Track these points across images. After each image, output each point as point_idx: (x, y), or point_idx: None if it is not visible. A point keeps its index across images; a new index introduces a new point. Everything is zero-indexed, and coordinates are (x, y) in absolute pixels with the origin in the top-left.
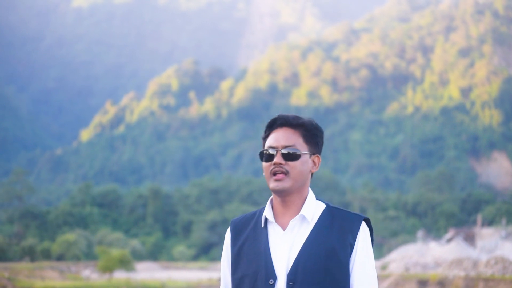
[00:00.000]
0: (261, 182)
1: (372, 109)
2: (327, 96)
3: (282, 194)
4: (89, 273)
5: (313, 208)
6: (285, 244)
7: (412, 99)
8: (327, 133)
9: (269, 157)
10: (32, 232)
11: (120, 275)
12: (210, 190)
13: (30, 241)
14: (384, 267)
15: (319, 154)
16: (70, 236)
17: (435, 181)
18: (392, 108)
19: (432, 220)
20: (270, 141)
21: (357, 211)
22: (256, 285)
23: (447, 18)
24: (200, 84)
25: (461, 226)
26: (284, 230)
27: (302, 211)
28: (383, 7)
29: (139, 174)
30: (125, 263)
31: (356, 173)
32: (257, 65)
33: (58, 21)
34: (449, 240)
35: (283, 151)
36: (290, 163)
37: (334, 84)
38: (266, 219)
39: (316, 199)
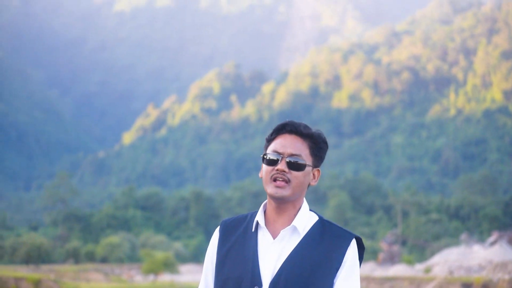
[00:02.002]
0: None
1: (414, 112)
2: (368, 99)
3: (279, 201)
4: (134, 274)
5: (305, 220)
6: (273, 253)
7: (455, 102)
8: (368, 136)
9: (272, 162)
10: (76, 234)
11: (164, 277)
12: (252, 193)
13: (74, 243)
14: (427, 270)
15: (319, 167)
16: (114, 238)
17: (478, 184)
18: (434, 111)
19: (475, 223)
20: (276, 146)
21: (399, 214)
22: None
23: (490, 20)
24: (242, 87)
25: (505, 229)
26: (274, 238)
27: (294, 222)
28: (425, 9)
29: (181, 177)
30: (169, 266)
31: (398, 176)
32: (298, 68)
33: (101, 25)
34: (492, 243)
35: (288, 159)
36: (293, 172)
37: (375, 87)
38: (257, 224)
39: (310, 210)
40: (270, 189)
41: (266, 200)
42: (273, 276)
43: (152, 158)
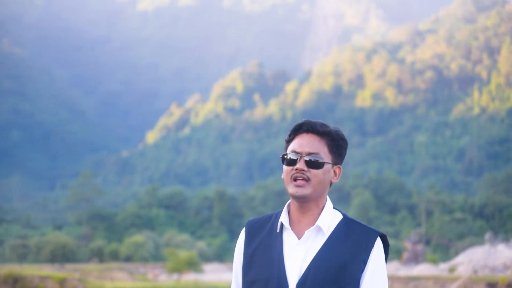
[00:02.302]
0: None
1: (437, 111)
2: (392, 98)
3: (301, 200)
4: (159, 273)
5: (329, 219)
6: (299, 254)
7: (478, 101)
8: (392, 135)
9: (291, 162)
10: (100, 233)
11: (188, 276)
12: (275, 192)
13: (98, 242)
14: (451, 270)
15: (341, 165)
16: (138, 237)
17: (502, 183)
18: (458, 110)
19: (499, 222)
20: (294, 146)
21: (423, 213)
22: None
23: None
24: (265, 86)
25: None
26: (299, 239)
27: (319, 222)
28: (448, 8)
29: (204, 176)
30: (193, 265)
31: (422, 175)
32: (321, 67)
33: (124, 24)
34: None
35: (307, 158)
36: (313, 170)
37: (399, 85)
38: (282, 225)
39: (334, 208)
40: (291, 188)
41: (290, 200)
42: (300, 277)
43: (176, 157)
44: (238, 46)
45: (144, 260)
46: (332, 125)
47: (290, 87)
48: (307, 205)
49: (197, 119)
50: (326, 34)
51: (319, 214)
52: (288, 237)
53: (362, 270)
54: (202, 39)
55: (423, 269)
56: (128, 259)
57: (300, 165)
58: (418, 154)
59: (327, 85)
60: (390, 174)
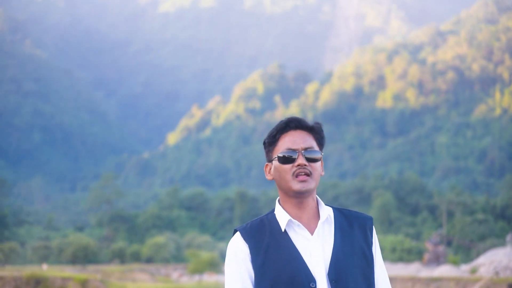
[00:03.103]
0: (347, 185)
1: (459, 112)
2: (413, 99)
3: (305, 195)
4: (178, 276)
5: (326, 210)
6: (317, 247)
7: (500, 101)
8: (413, 136)
9: (289, 160)
10: (121, 235)
11: (209, 277)
12: None
13: (119, 244)
14: (473, 271)
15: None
16: (160, 239)
17: None
18: (480, 111)
19: None
20: (287, 144)
21: (444, 215)
22: None
23: None
24: (286, 87)
25: None
26: (312, 233)
27: (323, 215)
28: (469, 9)
29: (225, 178)
30: (214, 266)
31: (443, 176)
32: (342, 68)
33: (146, 26)
34: None
35: (305, 153)
36: (312, 164)
37: (420, 86)
38: (287, 223)
39: None
40: (295, 185)
41: (278, 199)
42: (327, 269)
43: (197, 158)
44: (259, 47)
45: (166, 261)
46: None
47: (311, 88)
48: (307, 200)
49: (218, 121)
50: (347, 35)
51: (316, 207)
52: (297, 233)
53: (372, 250)
54: (223, 41)
55: (444, 271)
56: (150, 260)
57: (301, 160)
58: (439, 155)
59: (348, 86)
60: (411, 175)
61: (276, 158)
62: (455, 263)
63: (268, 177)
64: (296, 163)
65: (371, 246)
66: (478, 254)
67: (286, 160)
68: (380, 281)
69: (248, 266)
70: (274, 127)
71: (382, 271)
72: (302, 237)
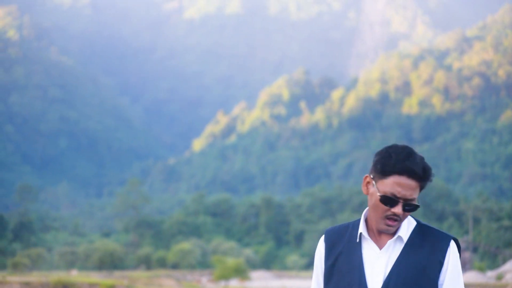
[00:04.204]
0: None
1: (485, 118)
2: (439, 105)
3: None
4: (205, 280)
5: (406, 226)
6: (381, 263)
7: None
8: (439, 142)
9: (389, 203)
10: (147, 240)
11: (235, 283)
12: (322, 200)
13: (145, 249)
14: (499, 277)
15: None
16: (185, 245)
17: None
18: (506, 117)
19: None
20: (395, 188)
21: (470, 221)
22: None
23: None
24: (311, 93)
25: None
26: (380, 249)
27: (400, 233)
28: (495, 14)
29: (251, 184)
30: (240, 272)
31: (469, 182)
32: (368, 74)
33: (170, 32)
34: None
35: (405, 204)
36: (406, 213)
37: (446, 92)
38: (361, 235)
39: None
40: (381, 226)
41: (367, 210)
42: (382, 285)
43: (222, 164)
44: (284, 53)
45: (191, 267)
46: (418, 155)
47: (336, 94)
48: None
49: (243, 127)
50: (373, 41)
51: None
52: (368, 246)
53: (439, 270)
54: (248, 47)
55: (470, 277)
56: (175, 266)
57: (399, 210)
58: (465, 161)
59: (374, 92)
60: (437, 181)
61: (379, 194)
62: (481, 269)
63: (364, 190)
64: (393, 210)
65: (439, 266)
66: (504, 261)
67: (386, 202)
68: None
69: (322, 265)
70: (393, 161)
71: None
72: (371, 251)
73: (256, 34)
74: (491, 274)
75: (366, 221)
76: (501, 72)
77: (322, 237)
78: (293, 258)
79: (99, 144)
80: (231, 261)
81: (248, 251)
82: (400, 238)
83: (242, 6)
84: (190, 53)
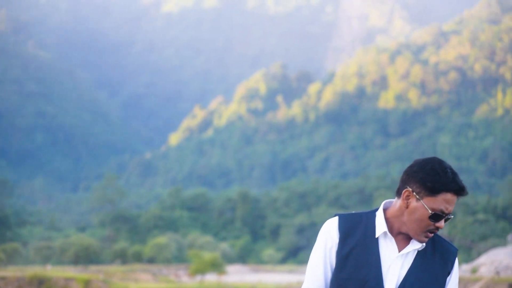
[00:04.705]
0: (349, 185)
1: (461, 112)
2: (415, 99)
3: None
4: (182, 275)
5: None
6: (397, 264)
7: (502, 102)
8: (415, 136)
9: (435, 218)
10: (123, 235)
11: (211, 277)
12: (298, 194)
13: (121, 244)
14: (474, 271)
15: None
16: (162, 239)
17: None
18: (482, 111)
19: None
20: (444, 205)
21: None
22: None
23: None
24: (288, 87)
25: None
26: (399, 251)
27: (424, 243)
28: (472, 9)
29: (227, 178)
30: (216, 266)
31: None
32: (345, 68)
33: (148, 26)
34: None
35: (446, 217)
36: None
37: (422, 87)
38: (383, 233)
39: None
40: (420, 238)
41: (384, 206)
42: (397, 286)
43: (199, 159)
44: (262, 47)
45: (167, 261)
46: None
47: (313, 88)
48: None
49: (220, 121)
50: (350, 35)
51: None
52: (387, 244)
53: (447, 279)
54: (226, 41)
55: None
56: (151, 260)
57: (442, 224)
58: (441, 155)
59: (351, 86)
60: None
61: (428, 211)
62: None
63: (403, 204)
64: (437, 225)
65: (447, 276)
66: (479, 254)
67: (435, 219)
68: None
69: (332, 254)
70: (443, 178)
71: None
72: (389, 250)
73: (234, 28)
74: (466, 267)
75: (386, 219)
76: (477, 67)
77: (335, 223)
78: (269, 252)
79: (76, 138)
80: (207, 255)
81: (224, 245)
82: (417, 243)
83: (220, 0)
84: (168, 47)
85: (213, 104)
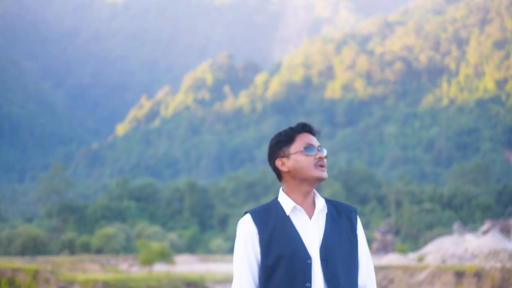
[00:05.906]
0: None
1: (407, 102)
2: (361, 89)
3: (319, 183)
4: (128, 266)
5: (322, 200)
6: (313, 231)
7: (447, 92)
8: (361, 126)
9: (311, 152)
10: (70, 226)
11: (159, 267)
12: (246, 184)
13: (69, 234)
14: (420, 259)
15: None
16: (109, 229)
17: (471, 174)
18: (427, 101)
19: (468, 212)
20: (306, 140)
21: (393, 204)
22: (294, 264)
23: (482, 10)
24: (235, 78)
25: (497, 218)
26: (310, 218)
27: (320, 203)
28: None
29: (175, 168)
30: (165, 256)
31: (391, 165)
32: (291, 58)
33: (94, 16)
34: (485, 232)
35: (320, 149)
36: (325, 159)
37: (368, 77)
38: (291, 208)
39: None
40: (318, 173)
41: (282, 188)
42: (320, 249)
43: (146, 149)
44: (208, 37)
45: (115, 252)
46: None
47: (260, 78)
48: (312, 190)
49: (167, 111)
50: (296, 26)
51: (314, 196)
52: (298, 217)
53: (356, 234)
54: (172, 31)
55: (392, 259)
56: (99, 251)
57: (321, 154)
58: (387, 145)
59: (297, 76)
60: (360, 165)
61: (299, 151)
62: (403, 251)
63: (284, 168)
64: (317, 156)
65: (355, 232)
66: (425, 243)
67: (309, 151)
68: (363, 260)
69: (255, 244)
70: (289, 129)
71: (365, 252)
72: (302, 221)
73: (180, 18)
74: (412, 256)
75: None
76: (423, 57)
77: (248, 219)
78: (217, 242)
79: (22, 129)
80: (155, 245)
81: (173, 235)
82: (323, 208)
83: None
84: (114, 37)
85: (160, 95)
